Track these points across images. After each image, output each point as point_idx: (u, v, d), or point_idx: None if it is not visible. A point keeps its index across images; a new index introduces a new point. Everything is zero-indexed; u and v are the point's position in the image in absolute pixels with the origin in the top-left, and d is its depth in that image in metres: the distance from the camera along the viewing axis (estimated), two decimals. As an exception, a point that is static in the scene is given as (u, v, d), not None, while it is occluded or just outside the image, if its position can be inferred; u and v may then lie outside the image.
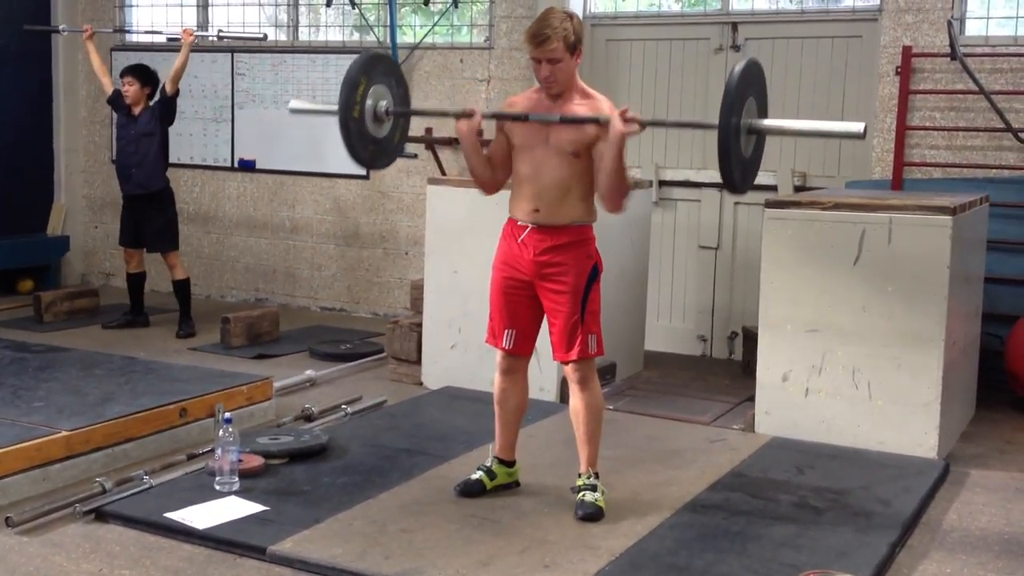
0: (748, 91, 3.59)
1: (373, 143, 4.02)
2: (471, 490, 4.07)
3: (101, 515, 3.86)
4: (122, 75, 7.07)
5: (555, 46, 3.69)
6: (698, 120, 3.79)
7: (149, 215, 7.06)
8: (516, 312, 3.95)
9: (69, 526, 3.80)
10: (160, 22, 8.69)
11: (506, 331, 3.98)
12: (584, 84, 3.90)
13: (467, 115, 3.92)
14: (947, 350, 4.75)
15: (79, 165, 9.04)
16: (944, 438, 4.81)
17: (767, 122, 3.67)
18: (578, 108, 3.82)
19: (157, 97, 7.03)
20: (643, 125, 3.72)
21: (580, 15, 7.08)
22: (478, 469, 4.15)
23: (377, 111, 4.00)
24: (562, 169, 3.82)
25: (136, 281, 7.26)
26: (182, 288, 7.15)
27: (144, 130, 7.01)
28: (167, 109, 7.01)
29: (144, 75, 7.05)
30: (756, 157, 3.74)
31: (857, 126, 3.53)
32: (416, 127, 7.68)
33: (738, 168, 3.57)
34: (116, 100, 7.16)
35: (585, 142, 3.78)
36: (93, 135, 9.01)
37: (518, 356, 4.05)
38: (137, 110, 7.03)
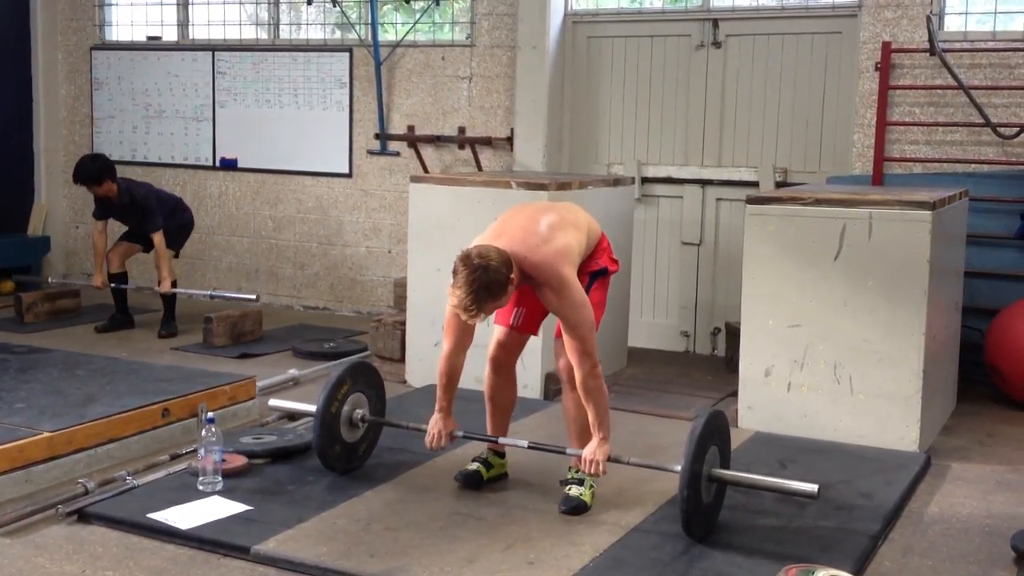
0: (711, 440, 3.71)
1: (341, 444, 4.24)
2: (470, 481, 4.13)
3: (84, 516, 3.84)
4: (85, 186, 6.92)
5: (485, 313, 3.65)
6: (661, 464, 3.93)
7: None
8: (527, 296, 4.00)
9: (52, 527, 3.78)
10: (140, 20, 8.66)
11: (515, 309, 4.06)
12: (523, 256, 3.74)
13: (443, 432, 4.08)
14: (928, 344, 4.78)
15: (59, 165, 8.99)
16: (925, 431, 4.85)
17: (729, 473, 3.79)
18: (542, 292, 3.81)
19: (141, 209, 6.93)
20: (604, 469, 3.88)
21: (560, 17, 7.17)
22: (474, 461, 4.20)
23: (353, 417, 4.27)
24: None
25: (119, 280, 7.20)
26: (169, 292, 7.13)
27: (143, 231, 7.00)
28: (148, 214, 6.94)
29: (93, 176, 6.82)
30: (717, 504, 3.82)
31: (811, 487, 3.66)
32: (399, 125, 7.69)
33: (698, 514, 3.65)
34: (102, 205, 7.03)
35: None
36: (73, 135, 8.96)
37: (520, 335, 4.13)
38: (116, 201, 6.93)
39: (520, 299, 4.03)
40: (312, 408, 4.26)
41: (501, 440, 4.16)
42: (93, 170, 6.85)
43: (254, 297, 6.85)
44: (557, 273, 3.74)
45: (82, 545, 3.64)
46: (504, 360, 4.14)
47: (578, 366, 3.79)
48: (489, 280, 3.57)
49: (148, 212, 6.94)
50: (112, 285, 7.13)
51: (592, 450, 3.86)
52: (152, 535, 3.70)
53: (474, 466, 4.18)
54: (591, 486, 4.01)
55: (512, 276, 3.65)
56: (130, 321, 7.24)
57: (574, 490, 3.97)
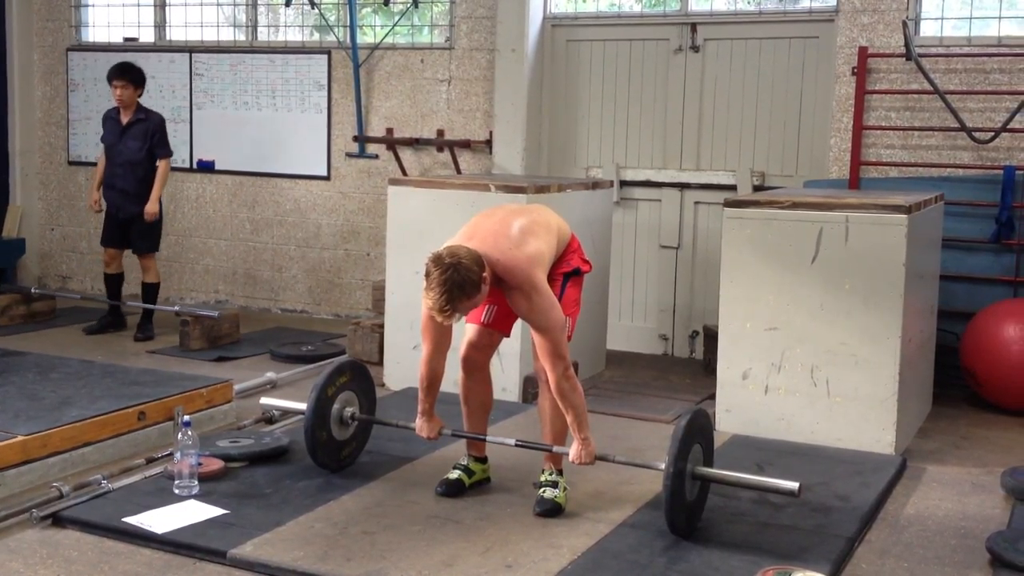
0: (695, 439, 3.76)
1: (328, 435, 4.26)
2: (452, 490, 4.11)
3: (58, 520, 3.81)
4: (112, 79, 6.86)
5: (460, 313, 3.65)
6: (647, 462, 4.00)
7: (135, 216, 6.95)
8: (499, 295, 3.97)
9: (26, 532, 3.75)
10: (116, 21, 8.60)
11: (487, 306, 4.04)
12: (495, 259, 3.72)
13: (429, 435, 4.13)
14: (903, 347, 4.81)
15: (35, 167, 8.92)
16: (901, 434, 4.87)
17: (711, 470, 3.84)
18: (512, 297, 3.80)
19: (154, 130, 6.91)
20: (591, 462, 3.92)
21: (538, 20, 7.18)
22: (455, 468, 4.19)
23: (343, 415, 4.29)
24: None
25: (115, 282, 7.16)
26: (151, 291, 7.08)
27: (134, 158, 6.90)
28: (161, 139, 6.92)
29: (136, 77, 6.88)
30: (700, 501, 3.87)
31: (792, 485, 3.73)
32: (378, 128, 7.68)
33: (682, 512, 3.70)
34: (108, 121, 7.01)
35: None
36: (49, 136, 8.89)
37: (492, 334, 4.10)
38: (126, 118, 6.89)
39: (492, 296, 4.02)
40: (301, 406, 4.26)
41: (488, 438, 4.15)
42: (140, 72, 6.90)
43: (215, 315, 6.80)
44: (528, 278, 3.74)
45: (56, 549, 3.61)
46: (477, 360, 4.12)
47: (551, 369, 3.79)
48: (462, 279, 3.56)
49: (159, 136, 6.91)
50: (111, 302, 7.16)
51: (577, 451, 3.87)
52: (127, 539, 3.68)
53: (455, 474, 4.17)
54: (565, 488, 4.02)
55: (485, 275, 3.65)
56: (122, 322, 7.20)
57: (548, 492, 3.98)
